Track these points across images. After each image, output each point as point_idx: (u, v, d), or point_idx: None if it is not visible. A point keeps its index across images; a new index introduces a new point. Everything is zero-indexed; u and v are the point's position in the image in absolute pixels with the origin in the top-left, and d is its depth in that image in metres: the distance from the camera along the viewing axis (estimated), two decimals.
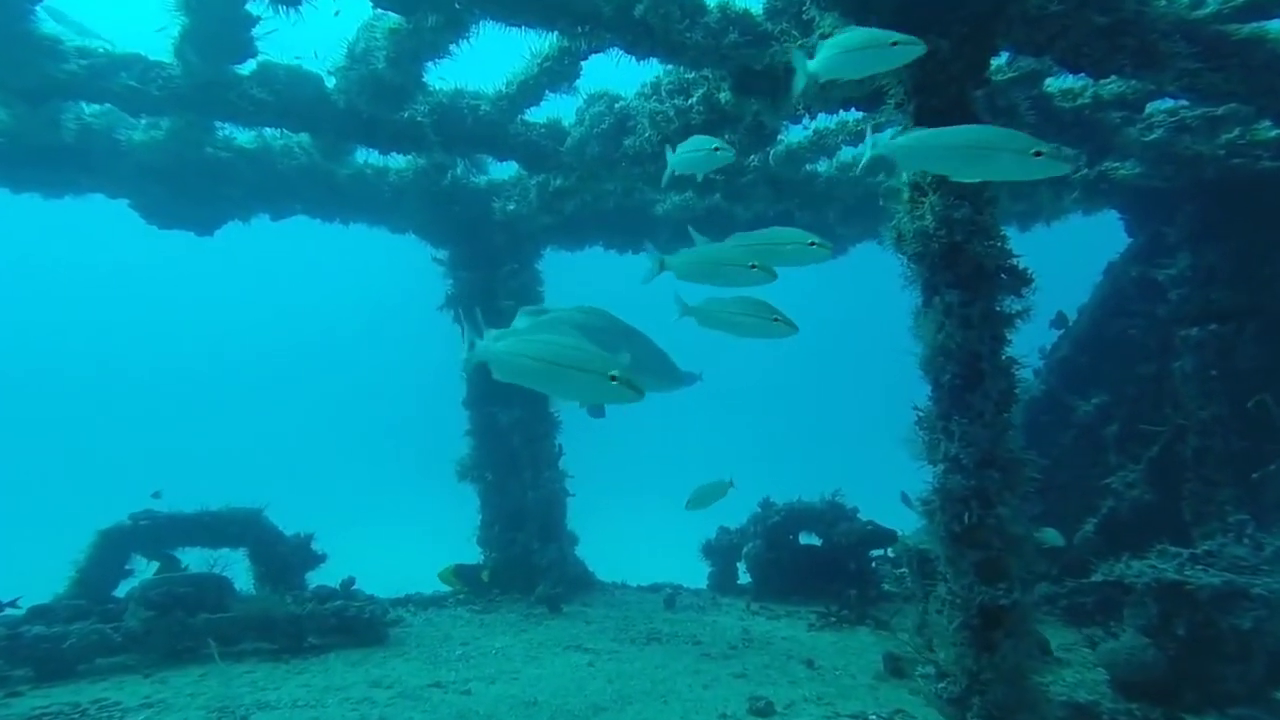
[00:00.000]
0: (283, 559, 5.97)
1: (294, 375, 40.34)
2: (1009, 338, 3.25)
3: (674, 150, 3.80)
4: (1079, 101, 5.00)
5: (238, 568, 5.84)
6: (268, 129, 6.59)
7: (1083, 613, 5.36)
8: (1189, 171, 5.37)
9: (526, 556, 7.57)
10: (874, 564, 6.68)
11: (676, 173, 3.85)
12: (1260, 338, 5.20)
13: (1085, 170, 6.04)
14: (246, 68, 5.65)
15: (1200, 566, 3.41)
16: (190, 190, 6.70)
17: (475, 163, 7.41)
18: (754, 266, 3.14)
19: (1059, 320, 6.74)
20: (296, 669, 4.98)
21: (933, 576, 4.47)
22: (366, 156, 7.61)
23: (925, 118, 3.41)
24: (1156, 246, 5.85)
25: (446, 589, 7.34)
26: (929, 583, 4.35)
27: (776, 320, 3.09)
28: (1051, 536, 4.66)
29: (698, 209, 8.19)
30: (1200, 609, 3.31)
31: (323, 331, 42.62)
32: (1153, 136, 5.21)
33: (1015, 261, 3.25)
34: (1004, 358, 3.21)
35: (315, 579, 6.44)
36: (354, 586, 5.87)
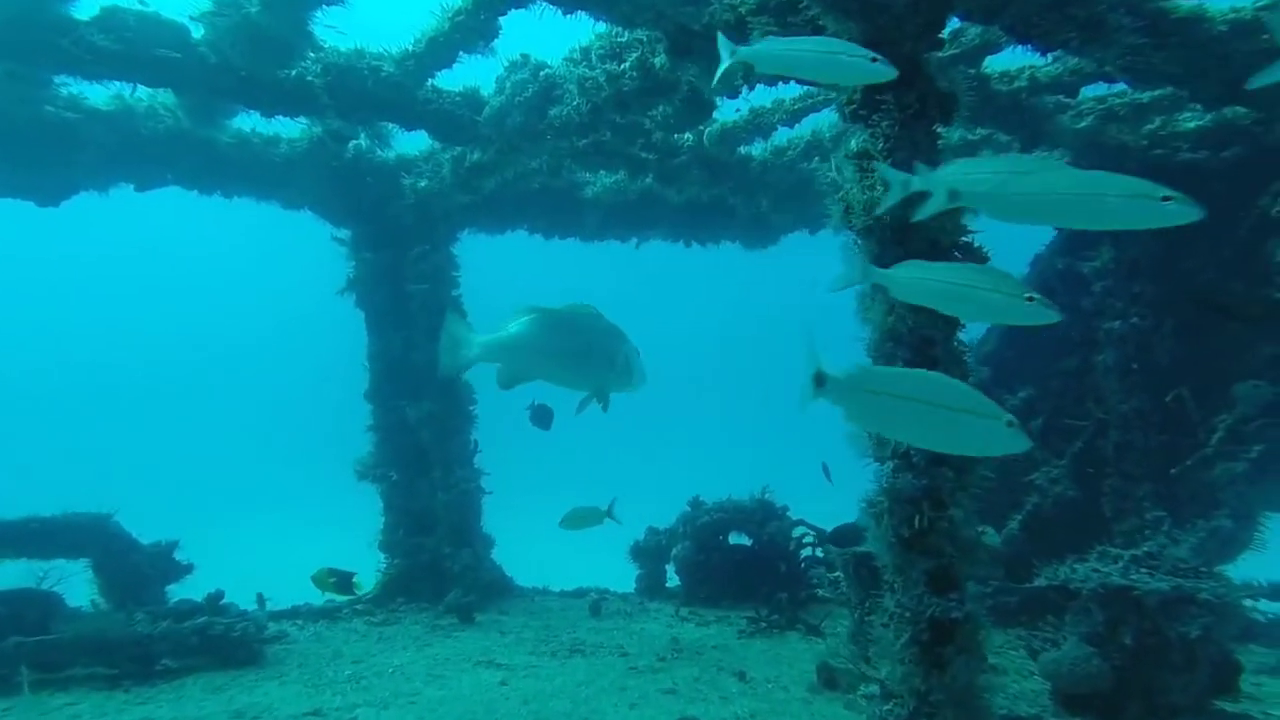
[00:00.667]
0: (136, 570, 5.17)
1: (181, 368, 37.07)
2: (962, 322, 2.97)
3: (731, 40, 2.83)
4: (1015, 84, 4.88)
5: (77, 580, 5.01)
6: (129, 87, 5.71)
7: (1007, 612, 5.26)
8: (1114, 162, 5.35)
9: (436, 562, 6.97)
10: (804, 565, 6.46)
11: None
12: (1180, 332, 5.24)
13: None
14: (88, 11, 4.81)
15: (1144, 570, 3.27)
16: (25, 156, 5.72)
17: (377, 133, 6.70)
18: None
19: None
20: (139, 698, 4.26)
21: (870, 583, 4.22)
22: (255, 124, 6.80)
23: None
24: (1081, 239, 5.85)
25: (341, 598, 6.64)
26: (873, 592, 4.08)
27: (1032, 299, 2.25)
28: (989, 537, 4.52)
29: (630, 192, 7.76)
30: (1148, 616, 3.16)
31: (215, 319, 39.22)
32: (1082, 124, 5.16)
33: (970, 238, 2.97)
34: (957, 343, 2.94)
35: (186, 592, 5.66)
36: (223, 600, 5.14)
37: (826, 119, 6.29)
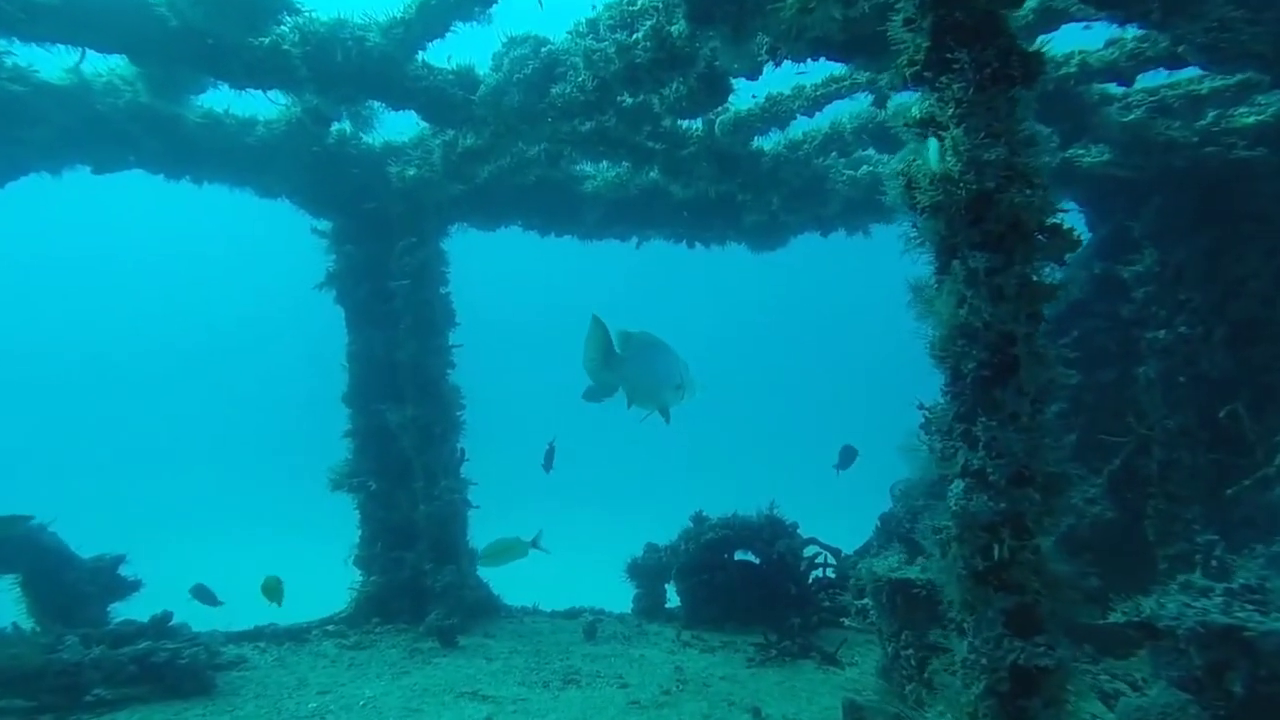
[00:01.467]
0: (73, 588, 4.59)
1: (145, 363, 35.40)
2: (1047, 316, 2.54)
3: None
4: (1064, 70, 4.49)
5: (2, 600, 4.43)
6: (87, 59, 5.18)
7: None
8: (1159, 160, 4.99)
9: (416, 580, 6.43)
10: (815, 587, 5.99)
11: None
12: (1230, 342, 4.86)
13: (1047, 158, 5.59)
14: None
15: (1250, 606, 2.84)
16: None
17: (360, 113, 6.15)
18: None
19: None
20: None
21: (905, 612, 3.77)
22: (230, 103, 6.29)
23: (944, 35, 2.67)
24: (1121, 242, 5.47)
25: (306, 620, 6.08)
26: (909, 626, 3.63)
27: None
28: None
29: (631, 188, 7.31)
30: (1264, 662, 2.72)
31: (184, 311, 37.31)
32: (1130, 117, 4.79)
33: (1057, 218, 2.54)
34: (1043, 342, 2.49)
35: (140, 611, 5.08)
36: (172, 622, 4.57)
37: (848, 109, 5.89)
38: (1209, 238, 5.00)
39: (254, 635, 5.84)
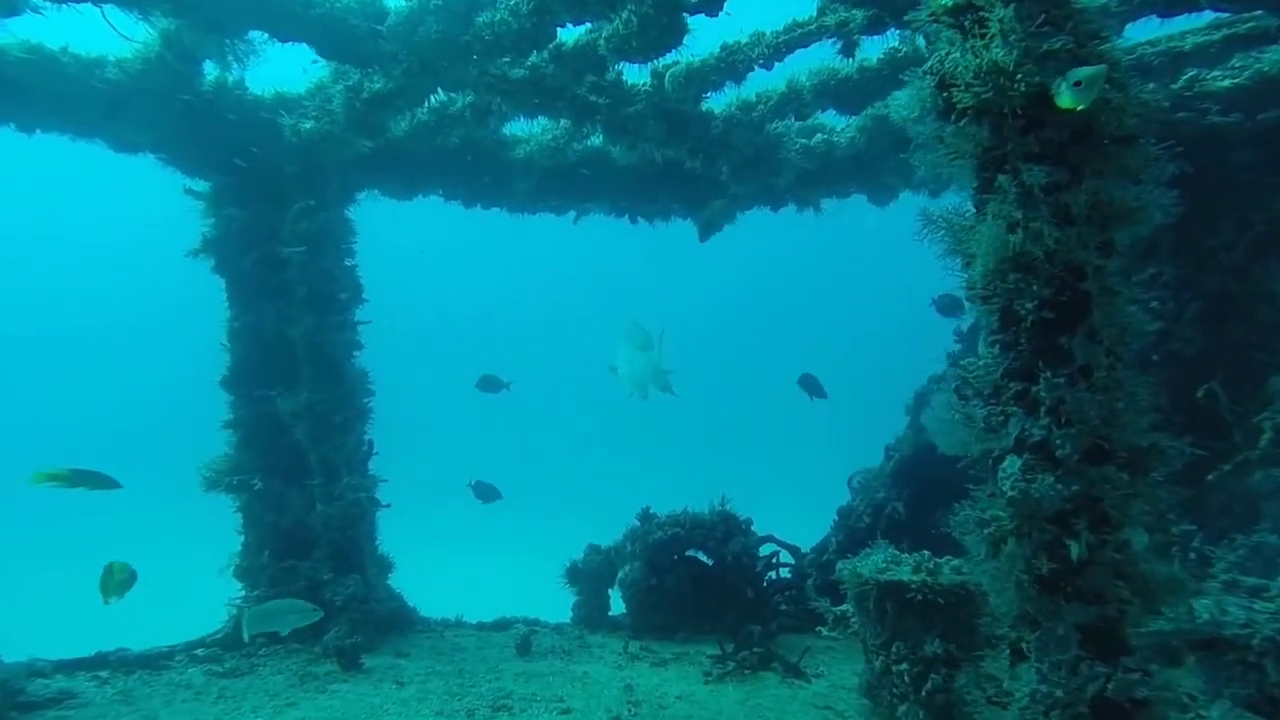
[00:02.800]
0: None
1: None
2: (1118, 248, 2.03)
3: None
4: None
5: None
6: None
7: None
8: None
9: (314, 592, 5.49)
10: (771, 589, 5.45)
11: None
12: (1204, 319, 4.64)
13: None
14: None
15: None
16: None
17: (235, 47, 5.02)
18: None
19: (948, 304, 5.93)
20: None
21: (895, 620, 3.24)
22: (70, 38, 5.14)
23: None
24: None
25: (171, 643, 5.05)
26: (900, 635, 3.09)
27: None
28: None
29: (570, 153, 6.56)
30: None
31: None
32: None
33: (1133, 125, 2.04)
34: (1118, 277, 1.98)
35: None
36: None
37: (806, 63, 5.38)
38: (1181, 209, 4.76)
39: (95, 663, 4.77)
